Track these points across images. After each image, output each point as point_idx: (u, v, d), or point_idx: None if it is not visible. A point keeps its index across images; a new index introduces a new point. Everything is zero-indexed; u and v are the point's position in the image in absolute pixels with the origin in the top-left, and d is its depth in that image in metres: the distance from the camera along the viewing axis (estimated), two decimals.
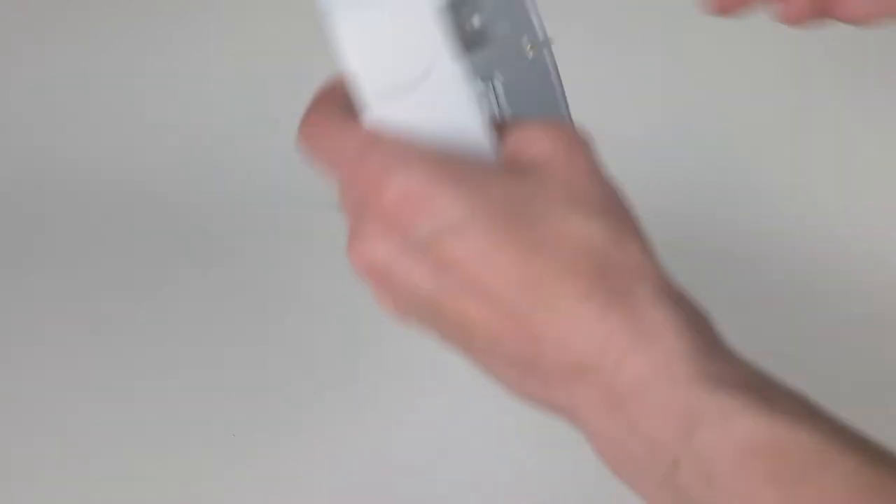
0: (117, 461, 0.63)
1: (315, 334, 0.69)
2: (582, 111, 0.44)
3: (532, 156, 0.39)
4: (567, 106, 0.46)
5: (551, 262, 0.37)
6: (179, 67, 0.93)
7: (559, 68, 0.47)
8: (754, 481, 0.33)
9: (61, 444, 0.64)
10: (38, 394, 0.67)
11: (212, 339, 0.69)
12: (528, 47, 0.46)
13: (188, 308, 0.71)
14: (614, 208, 0.38)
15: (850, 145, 0.78)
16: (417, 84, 0.42)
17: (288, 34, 0.95)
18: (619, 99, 0.76)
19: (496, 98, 0.45)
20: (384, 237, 0.39)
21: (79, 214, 0.79)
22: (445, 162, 0.38)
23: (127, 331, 0.70)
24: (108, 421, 0.65)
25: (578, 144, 0.39)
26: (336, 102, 0.42)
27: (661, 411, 0.35)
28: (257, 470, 0.62)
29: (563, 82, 0.46)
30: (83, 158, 0.85)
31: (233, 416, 0.65)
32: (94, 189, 0.81)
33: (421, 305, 0.39)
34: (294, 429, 0.64)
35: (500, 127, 0.41)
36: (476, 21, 0.46)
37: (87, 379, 0.68)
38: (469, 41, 0.46)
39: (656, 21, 0.84)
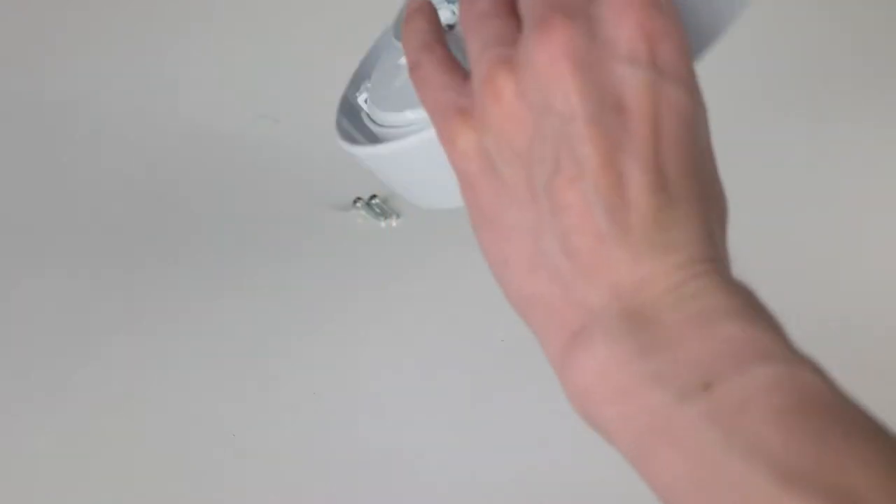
0: (116, 461, 0.63)
1: (316, 334, 0.69)
2: None
3: None
4: None
5: (704, 191, 0.37)
6: (179, 67, 0.92)
7: None
8: (797, 419, 0.33)
9: (60, 444, 0.64)
10: (37, 394, 0.67)
11: (211, 339, 0.69)
12: None
13: (187, 307, 0.71)
14: None
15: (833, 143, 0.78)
16: None
17: (288, 34, 0.95)
18: None
19: None
20: (616, 38, 0.37)
21: (77, 213, 0.79)
22: None
23: (125, 330, 0.70)
24: (107, 421, 0.65)
25: None
26: None
27: (720, 340, 0.35)
28: (257, 470, 0.62)
29: None
30: (82, 157, 0.85)
31: (233, 416, 0.65)
32: (93, 188, 0.81)
33: (561, 122, 0.37)
34: (294, 429, 0.64)
35: None
36: None
37: (85, 378, 0.68)
38: None
39: None
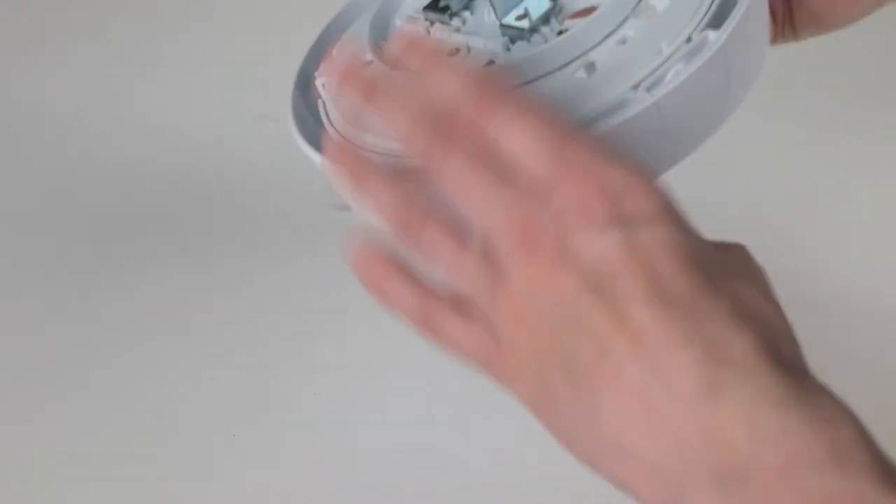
0: (116, 461, 0.63)
1: (315, 333, 0.69)
2: None
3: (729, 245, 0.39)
4: None
5: (729, 308, 0.36)
6: (179, 67, 0.93)
7: None
8: None
9: (60, 444, 0.64)
10: (37, 394, 0.67)
11: (211, 340, 0.69)
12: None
13: (187, 307, 0.71)
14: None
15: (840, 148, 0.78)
16: None
17: (288, 34, 0.95)
18: None
19: None
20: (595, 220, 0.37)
21: (77, 215, 0.79)
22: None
23: (125, 330, 0.70)
24: (106, 420, 0.65)
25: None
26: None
27: (816, 496, 0.32)
28: (257, 470, 0.62)
29: None
30: (83, 159, 0.85)
31: (233, 416, 0.65)
32: (94, 188, 0.81)
33: (570, 309, 0.37)
34: (294, 429, 0.64)
35: None
36: None
37: (85, 378, 0.68)
38: None
39: None
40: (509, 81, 0.41)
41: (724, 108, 0.48)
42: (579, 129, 0.39)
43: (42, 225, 0.79)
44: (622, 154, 0.38)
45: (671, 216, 0.37)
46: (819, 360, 0.67)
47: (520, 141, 0.39)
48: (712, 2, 0.48)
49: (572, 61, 0.47)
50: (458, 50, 0.52)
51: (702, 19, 0.47)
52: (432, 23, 0.54)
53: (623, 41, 0.48)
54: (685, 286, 0.36)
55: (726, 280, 0.37)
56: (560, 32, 0.50)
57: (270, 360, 0.68)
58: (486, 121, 0.39)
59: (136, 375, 0.68)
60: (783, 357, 0.35)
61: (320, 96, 0.54)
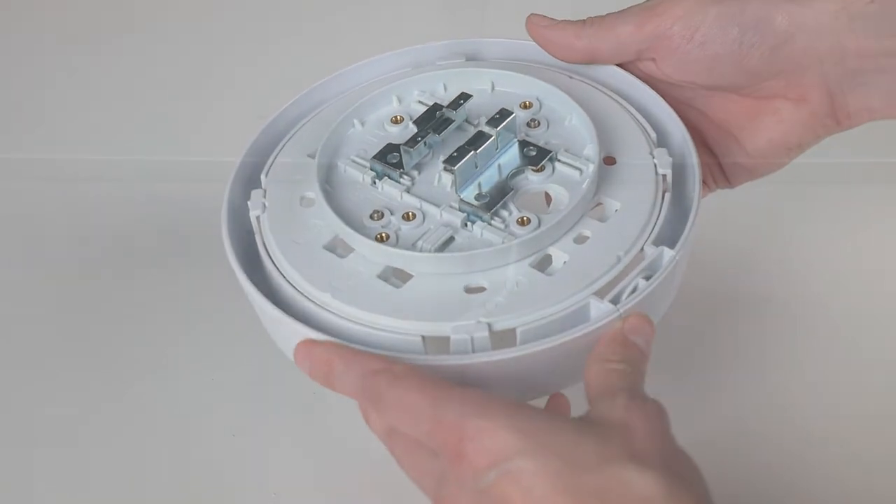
0: (116, 461, 0.63)
1: None
2: None
3: (609, 419, 0.42)
4: None
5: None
6: (179, 67, 0.93)
7: None
8: None
9: (60, 444, 0.64)
10: (36, 393, 0.67)
11: (211, 339, 0.69)
12: None
13: (188, 306, 0.71)
14: (675, 469, 0.40)
15: None
16: None
17: (288, 34, 0.95)
18: None
19: None
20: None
21: (76, 213, 0.79)
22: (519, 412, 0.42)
23: (125, 330, 0.70)
24: (106, 420, 0.65)
25: (656, 413, 0.43)
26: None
27: None
28: (257, 470, 0.62)
29: None
30: (81, 157, 0.85)
31: (233, 415, 0.65)
32: (92, 188, 0.81)
33: None
34: (294, 428, 0.64)
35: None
36: None
37: (86, 377, 0.68)
38: None
39: None
40: (391, 368, 0.45)
41: (660, 312, 0.51)
42: (445, 389, 0.43)
43: (37, 217, 0.79)
44: (482, 397, 0.43)
45: (526, 447, 0.41)
46: (819, 360, 0.68)
47: (404, 421, 0.44)
48: (660, 211, 0.51)
49: (531, 255, 0.50)
50: (413, 215, 0.53)
51: (652, 229, 0.50)
52: (379, 175, 0.54)
53: (581, 240, 0.50)
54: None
55: (600, 479, 0.40)
56: (520, 220, 0.51)
57: (270, 359, 0.67)
58: (382, 411, 0.45)
59: (136, 374, 0.68)
60: None
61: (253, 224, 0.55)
